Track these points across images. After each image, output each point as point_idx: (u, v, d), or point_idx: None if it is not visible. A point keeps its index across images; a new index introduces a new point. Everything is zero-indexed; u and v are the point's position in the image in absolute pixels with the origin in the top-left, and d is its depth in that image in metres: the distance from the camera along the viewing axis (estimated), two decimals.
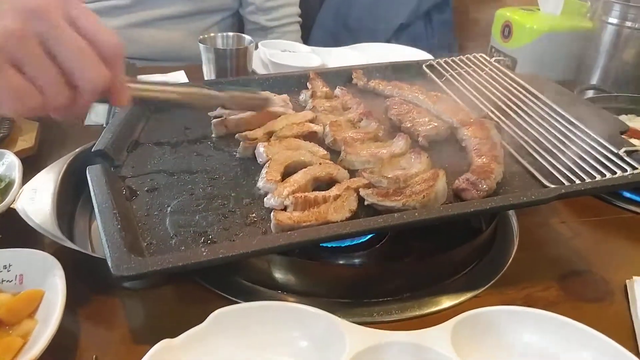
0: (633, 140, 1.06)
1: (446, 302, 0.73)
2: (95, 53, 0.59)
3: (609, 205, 0.97)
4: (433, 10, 1.94)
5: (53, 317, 0.62)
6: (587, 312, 0.73)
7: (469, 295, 0.75)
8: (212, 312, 0.65)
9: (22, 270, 0.70)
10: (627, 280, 0.78)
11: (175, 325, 0.68)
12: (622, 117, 1.16)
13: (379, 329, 0.68)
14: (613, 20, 1.23)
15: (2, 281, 0.70)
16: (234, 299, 0.73)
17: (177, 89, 0.83)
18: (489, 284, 0.77)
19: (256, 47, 1.40)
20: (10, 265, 0.71)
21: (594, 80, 1.32)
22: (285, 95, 1.02)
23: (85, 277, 0.74)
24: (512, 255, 0.82)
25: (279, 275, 0.74)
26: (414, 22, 1.92)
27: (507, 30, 1.44)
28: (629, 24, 1.21)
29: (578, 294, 0.76)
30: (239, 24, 1.87)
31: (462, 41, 2.01)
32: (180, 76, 1.44)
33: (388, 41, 1.92)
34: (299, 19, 1.84)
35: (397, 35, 1.92)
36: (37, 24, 0.55)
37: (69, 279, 0.68)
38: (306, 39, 2.02)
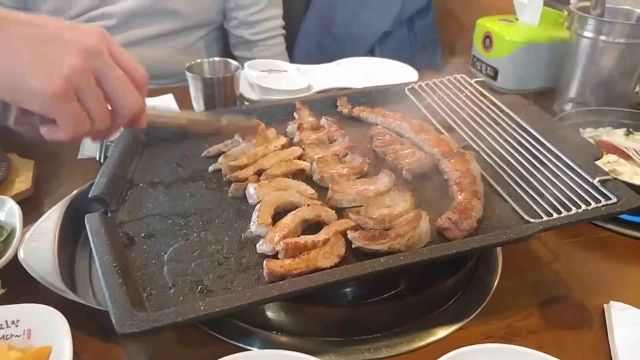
0: (610, 156, 1.10)
1: (432, 336, 0.77)
2: (132, 84, 0.70)
3: (588, 224, 0.99)
4: (416, 16, 1.96)
5: None
6: (566, 340, 0.77)
7: (454, 327, 0.79)
8: (209, 354, 0.68)
9: (30, 325, 0.73)
10: (605, 305, 0.81)
11: None
12: (600, 130, 1.20)
13: None
14: (588, 34, 1.26)
15: (12, 336, 0.72)
16: (230, 341, 0.77)
17: (185, 115, 0.89)
18: (474, 315, 0.81)
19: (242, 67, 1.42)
20: (18, 321, 0.73)
21: (573, 90, 1.35)
22: (272, 130, 1.05)
23: (88, 325, 0.77)
24: (495, 285, 0.86)
25: (272, 317, 0.78)
26: (397, 29, 1.94)
27: (487, 41, 1.47)
28: (603, 37, 1.24)
29: (557, 321, 0.79)
30: (223, 37, 1.89)
31: (445, 44, 2.03)
32: (168, 100, 1.46)
33: (372, 48, 1.95)
34: (283, 31, 1.86)
35: (382, 42, 1.95)
36: (93, 61, 0.66)
37: (72, 326, 0.71)
38: (291, 48, 2.04)
